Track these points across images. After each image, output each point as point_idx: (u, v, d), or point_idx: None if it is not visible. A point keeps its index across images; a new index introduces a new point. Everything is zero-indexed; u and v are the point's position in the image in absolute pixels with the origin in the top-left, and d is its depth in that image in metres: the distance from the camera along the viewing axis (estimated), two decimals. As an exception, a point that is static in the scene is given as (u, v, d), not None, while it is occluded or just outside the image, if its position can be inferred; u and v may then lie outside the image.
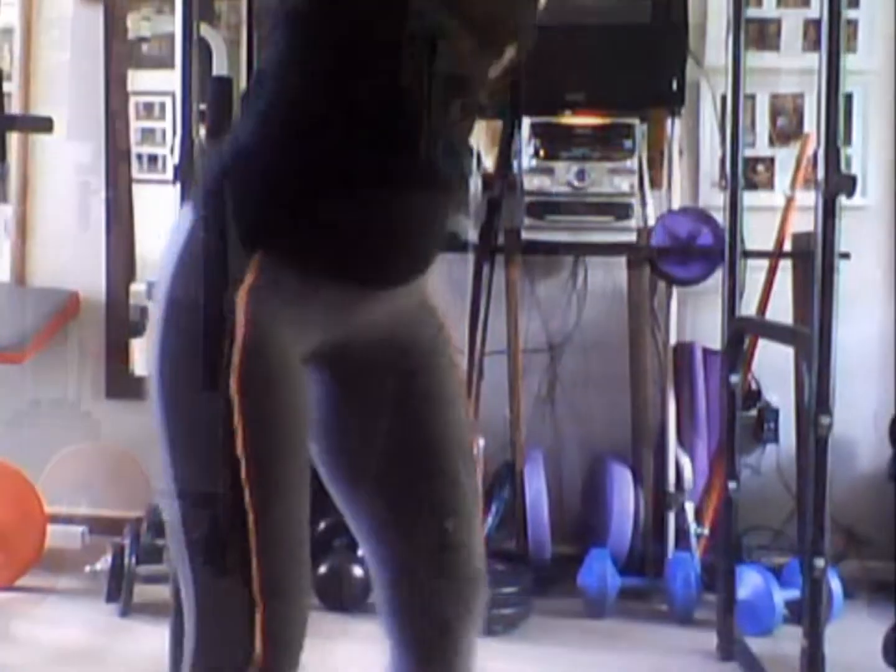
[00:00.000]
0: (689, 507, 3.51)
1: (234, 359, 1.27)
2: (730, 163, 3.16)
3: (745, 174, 3.26)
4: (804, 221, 3.14)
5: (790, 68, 3.78)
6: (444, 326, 1.52)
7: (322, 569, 3.35)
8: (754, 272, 3.47)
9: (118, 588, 3.31)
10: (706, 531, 3.51)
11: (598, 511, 3.59)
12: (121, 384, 4.05)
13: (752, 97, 3.74)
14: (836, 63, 2.44)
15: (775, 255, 3.56)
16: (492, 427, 3.57)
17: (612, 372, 3.77)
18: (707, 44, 3.79)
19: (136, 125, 4.10)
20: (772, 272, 3.56)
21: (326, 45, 1.31)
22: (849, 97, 3.56)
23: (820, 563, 2.47)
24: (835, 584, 3.24)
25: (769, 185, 3.85)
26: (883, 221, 3.83)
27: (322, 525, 3.48)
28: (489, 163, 3.70)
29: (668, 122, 3.65)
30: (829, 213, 2.45)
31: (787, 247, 3.57)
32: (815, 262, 2.50)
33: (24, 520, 3.46)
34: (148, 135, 4.13)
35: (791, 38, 3.83)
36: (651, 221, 3.60)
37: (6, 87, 3.43)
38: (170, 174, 2.63)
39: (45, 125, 3.41)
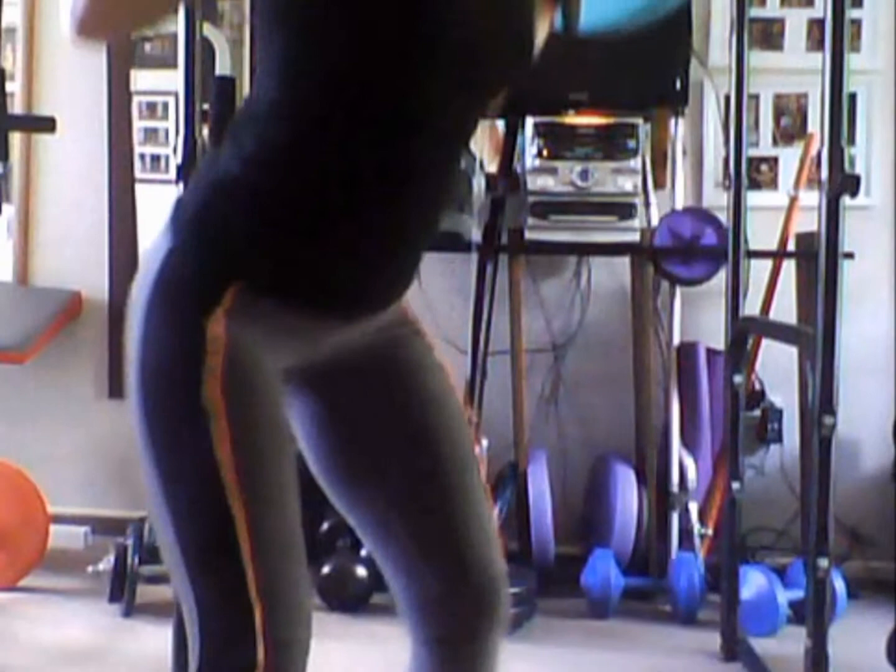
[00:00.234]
0: (693, 508, 3.51)
1: (216, 370, 1.27)
2: (733, 162, 3.16)
3: (748, 174, 3.25)
4: (808, 221, 3.14)
5: (794, 68, 3.78)
6: (421, 330, 1.52)
7: (325, 569, 3.34)
8: (758, 272, 3.47)
9: (121, 588, 3.31)
10: (710, 531, 3.50)
11: (602, 511, 3.59)
12: (123, 384, 4.03)
13: (756, 97, 3.74)
14: (839, 63, 2.44)
15: (779, 255, 3.56)
16: (495, 427, 3.57)
17: (616, 372, 3.77)
18: (711, 43, 3.79)
19: (138, 125, 4.09)
20: (775, 272, 3.56)
21: (308, 90, 1.32)
22: (852, 97, 3.56)
23: (824, 563, 2.47)
24: (838, 585, 3.24)
25: (773, 184, 3.84)
26: (887, 221, 3.83)
27: (325, 526, 3.49)
28: (492, 163, 3.70)
29: (672, 121, 3.65)
30: (832, 212, 2.45)
31: (791, 246, 3.57)
32: (818, 262, 2.51)
33: (27, 520, 3.46)
34: (151, 135, 4.13)
35: (795, 38, 3.82)
36: (655, 221, 3.60)
37: (9, 86, 3.42)
38: (173, 174, 2.64)
39: (48, 125, 3.41)
